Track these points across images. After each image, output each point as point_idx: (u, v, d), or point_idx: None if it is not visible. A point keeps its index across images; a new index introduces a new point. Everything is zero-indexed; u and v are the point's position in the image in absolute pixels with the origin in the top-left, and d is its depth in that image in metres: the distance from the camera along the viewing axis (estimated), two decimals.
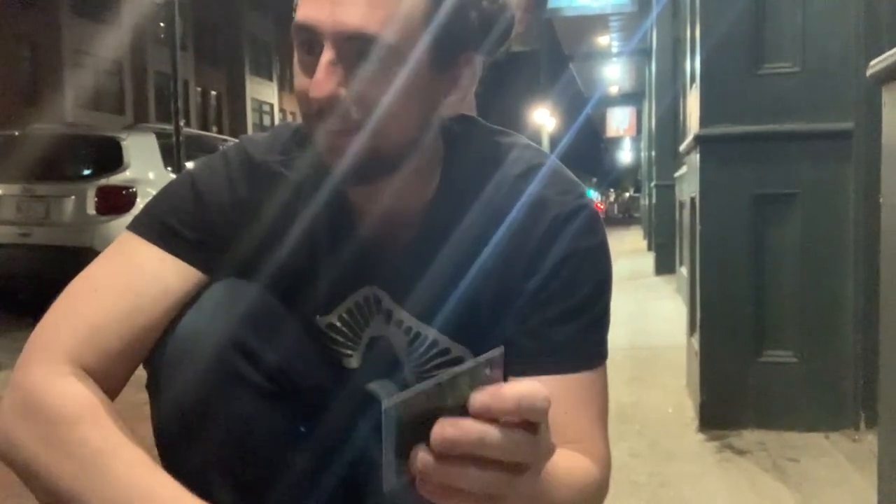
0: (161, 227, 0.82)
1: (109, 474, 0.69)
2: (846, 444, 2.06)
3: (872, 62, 1.04)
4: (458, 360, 0.88)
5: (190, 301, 0.81)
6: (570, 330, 0.80)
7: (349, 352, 0.92)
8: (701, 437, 2.21)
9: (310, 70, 0.73)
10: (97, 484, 0.68)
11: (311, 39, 0.72)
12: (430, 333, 0.87)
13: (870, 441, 1.99)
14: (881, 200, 1.06)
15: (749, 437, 2.16)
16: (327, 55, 0.72)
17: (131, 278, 0.80)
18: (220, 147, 6.89)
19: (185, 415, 0.80)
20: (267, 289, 0.85)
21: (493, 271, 0.82)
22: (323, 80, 0.72)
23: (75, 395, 0.73)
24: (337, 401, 0.90)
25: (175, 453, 0.83)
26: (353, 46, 0.71)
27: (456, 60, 0.78)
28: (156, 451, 0.84)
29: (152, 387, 0.82)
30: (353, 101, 0.73)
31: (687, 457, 2.06)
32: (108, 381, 0.77)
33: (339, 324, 0.90)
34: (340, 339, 0.91)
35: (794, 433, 2.14)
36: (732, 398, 2.23)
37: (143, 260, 0.80)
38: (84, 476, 0.69)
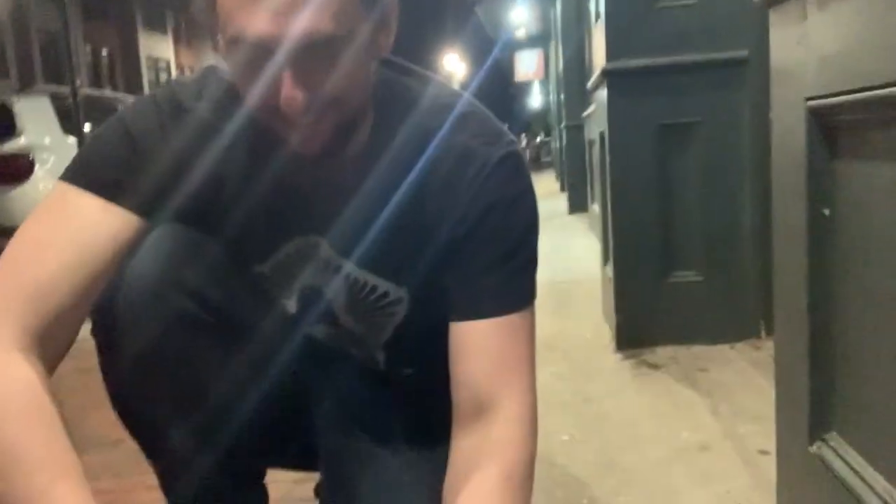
0: (98, 176, 0.81)
1: (14, 472, 0.68)
2: (750, 352, 2.23)
3: None
4: (398, 302, 0.92)
5: (132, 247, 0.81)
6: (502, 275, 0.84)
7: (285, 299, 0.94)
8: (618, 356, 2.34)
9: (261, 75, 0.71)
10: (1, 481, 0.67)
11: (260, 53, 0.70)
12: (370, 279, 0.91)
13: (770, 348, 2.16)
14: (770, 116, 1.15)
15: (662, 352, 2.31)
16: (289, 69, 0.70)
17: (74, 230, 0.79)
18: (120, 108, 6.59)
19: (137, 356, 0.81)
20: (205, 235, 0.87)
21: (426, 219, 0.85)
22: (292, 93, 0.71)
23: (10, 376, 0.72)
24: (278, 343, 0.93)
25: (128, 393, 0.84)
26: (312, 52, 0.70)
27: (387, 12, 0.78)
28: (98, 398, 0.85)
29: (100, 333, 0.84)
30: (322, 99, 0.73)
31: (607, 375, 2.20)
32: (60, 335, 0.77)
33: (270, 273, 0.92)
34: (274, 287, 0.93)
35: (702, 346, 2.30)
36: (645, 319, 2.37)
37: (85, 210, 0.79)
38: None
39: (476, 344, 0.84)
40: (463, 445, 0.84)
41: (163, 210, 0.83)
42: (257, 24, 0.68)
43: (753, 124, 2.19)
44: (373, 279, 0.91)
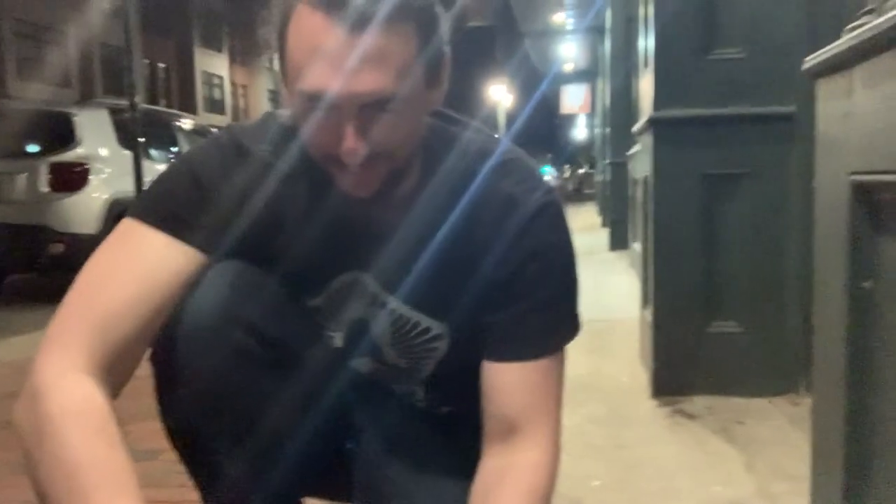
0: (164, 213, 0.85)
1: (75, 487, 0.70)
2: (787, 408, 2.21)
3: (808, 58, 1.14)
4: (440, 338, 0.96)
5: (194, 282, 0.86)
6: (539, 320, 0.89)
7: (332, 333, 0.98)
8: (654, 403, 2.34)
9: (326, 126, 0.78)
10: (62, 495, 0.70)
11: (326, 107, 0.76)
12: (413, 315, 0.95)
13: (808, 404, 2.14)
14: (814, 186, 1.17)
15: (699, 402, 2.30)
16: (352, 123, 0.77)
17: (140, 264, 0.83)
18: (175, 124, 6.78)
19: (194, 389, 0.85)
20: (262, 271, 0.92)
21: (469, 261, 0.89)
22: (354, 146, 0.77)
23: (77, 395, 0.76)
24: (326, 376, 0.97)
25: (184, 424, 0.89)
26: (372, 108, 0.76)
27: (439, 67, 0.83)
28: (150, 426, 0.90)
29: (158, 363, 0.87)
30: (379, 149, 0.79)
31: (641, 421, 2.19)
32: (123, 364, 0.81)
33: (323, 306, 0.96)
34: (324, 320, 0.97)
35: (740, 398, 2.28)
36: (683, 366, 2.37)
37: (150, 245, 0.84)
38: (52, 479, 0.71)
39: (508, 384, 0.89)
40: (489, 466, 0.89)
41: (224, 247, 0.88)
42: (326, 80, 0.74)
43: (800, 179, 2.19)
44: (416, 315, 0.95)
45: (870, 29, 0.92)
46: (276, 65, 0.82)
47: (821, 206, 1.14)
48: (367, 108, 0.76)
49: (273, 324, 0.90)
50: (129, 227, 0.87)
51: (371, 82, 0.74)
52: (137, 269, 0.83)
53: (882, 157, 0.93)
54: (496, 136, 0.97)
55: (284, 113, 0.91)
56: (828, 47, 1.08)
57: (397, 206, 0.89)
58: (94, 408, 0.76)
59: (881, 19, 0.89)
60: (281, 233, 0.91)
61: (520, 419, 0.88)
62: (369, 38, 0.73)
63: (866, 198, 0.99)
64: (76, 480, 0.71)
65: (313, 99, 0.76)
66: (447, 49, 0.83)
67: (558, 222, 0.90)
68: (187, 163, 0.91)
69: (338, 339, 0.99)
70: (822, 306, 1.14)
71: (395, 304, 0.95)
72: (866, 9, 1.00)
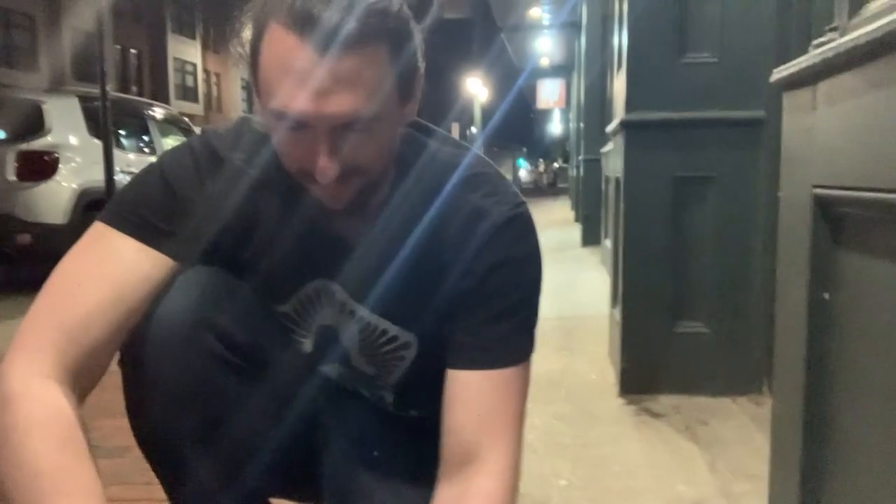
0: (135, 219, 0.86)
1: (38, 497, 0.71)
2: (751, 408, 2.25)
3: (775, 70, 1.17)
4: (407, 346, 0.97)
5: (164, 287, 0.86)
6: (501, 330, 0.89)
7: (301, 339, 0.99)
8: (621, 401, 2.37)
9: (298, 144, 0.78)
10: (26, 501, 0.70)
11: (299, 127, 0.77)
12: (381, 323, 0.96)
13: (770, 404, 2.19)
14: (779, 194, 1.19)
15: (665, 401, 2.34)
16: (324, 143, 0.77)
17: (110, 269, 0.84)
18: (147, 112, 6.67)
19: (163, 392, 0.86)
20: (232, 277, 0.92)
21: (436, 271, 0.90)
22: (325, 166, 0.78)
23: (43, 402, 0.76)
24: (295, 381, 0.98)
25: (151, 427, 0.89)
26: (345, 128, 0.77)
27: (413, 82, 0.83)
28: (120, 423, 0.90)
29: (127, 366, 0.88)
30: (352, 166, 0.80)
31: (608, 420, 2.22)
32: (92, 369, 0.82)
33: (292, 313, 0.97)
34: (293, 326, 0.99)
35: (705, 398, 2.32)
36: (650, 366, 2.41)
37: (120, 252, 0.84)
38: (17, 489, 0.71)
39: (468, 394, 0.88)
40: (444, 495, 0.88)
41: (195, 253, 0.88)
42: (298, 102, 0.74)
43: (767, 184, 2.23)
44: (384, 324, 0.96)
45: (833, 48, 0.94)
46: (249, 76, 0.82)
47: (784, 217, 1.16)
48: (340, 128, 0.77)
49: (243, 328, 0.91)
50: (101, 233, 0.87)
51: (343, 104, 0.75)
52: (107, 275, 0.83)
53: (842, 172, 0.95)
54: (467, 145, 0.97)
55: (259, 118, 0.92)
56: (794, 61, 1.10)
57: (369, 217, 0.90)
58: (61, 416, 0.76)
59: (844, 39, 0.91)
60: (253, 241, 0.92)
61: (478, 438, 0.87)
62: (341, 61, 0.73)
63: (828, 211, 1.01)
64: (40, 490, 0.71)
65: (285, 118, 0.76)
66: (421, 63, 0.83)
67: (524, 234, 0.90)
68: (161, 168, 0.91)
69: (307, 345, 1.00)
70: (783, 315, 1.17)
71: (363, 312, 0.96)
72: (832, 25, 1.03)
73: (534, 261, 0.91)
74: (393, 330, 0.96)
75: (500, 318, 0.89)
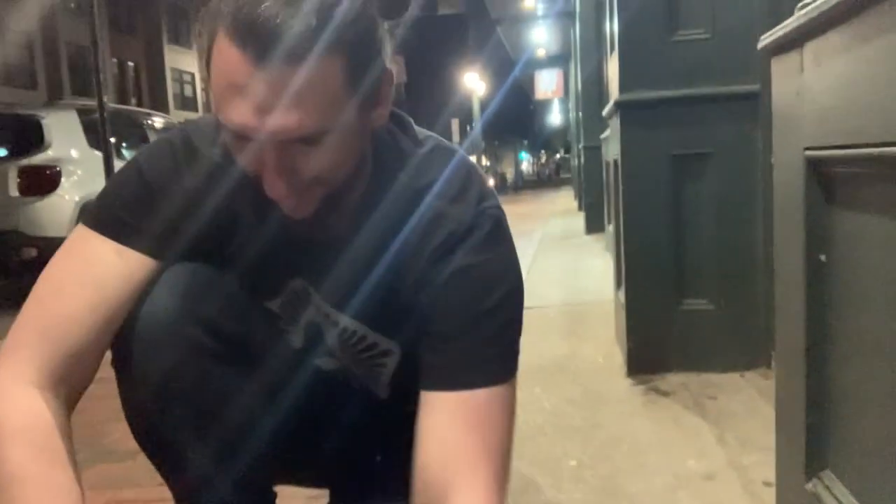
0: (114, 221, 0.85)
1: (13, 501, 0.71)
2: (758, 381, 2.25)
3: (763, 36, 1.17)
4: (388, 353, 0.95)
5: (148, 285, 0.86)
6: (469, 344, 0.81)
7: (291, 334, 0.99)
8: (629, 381, 2.37)
9: (251, 158, 0.74)
10: None
11: (244, 140, 0.73)
12: (359, 329, 0.94)
13: (775, 371, 2.18)
14: (772, 161, 1.19)
15: (672, 379, 2.34)
16: (271, 159, 0.73)
17: (90, 273, 0.83)
18: (147, 122, 6.68)
19: (154, 386, 0.85)
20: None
21: (404, 281, 0.87)
22: (276, 181, 0.74)
23: (22, 409, 0.76)
24: (288, 373, 0.98)
25: (146, 421, 0.89)
26: (291, 145, 0.72)
27: (378, 88, 0.78)
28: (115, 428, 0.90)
29: (118, 364, 0.88)
30: (304, 182, 0.76)
31: (617, 400, 2.22)
32: (79, 373, 0.82)
33: (278, 309, 0.97)
34: (282, 322, 0.98)
35: (712, 374, 2.32)
36: (656, 345, 2.40)
37: (100, 254, 0.84)
38: None
39: (437, 421, 0.80)
40: None
41: (175, 251, 0.87)
42: (240, 116, 0.71)
43: (765, 157, 2.22)
44: (362, 330, 0.94)
45: (817, 6, 0.94)
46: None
47: (778, 182, 1.16)
48: (287, 143, 0.72)
49: (231, 321, 0.90)
50: (81, 235, 0.87)
51: (286, 120, 0.70)
52: (87, 278, 0.83)
53: (833, 132, 0.95)
54: (450, 143, 0.94)
55: None
56: (780, 25, 1.10)
57: (343, 216, 0.87)
58: (40, 423, 0.77)
59: None
60: (232, 237, 0.91)
61: (446, 475, 0.77)
62: (285, 75, 0.68)
63: (820, 172, 1.01)
64: (13, 498, 0.71)
65: (235, 132, 0.73)
66: (391, 64, 0.78)
67: (490, 241, 0.84)
68: (137, 163, 0.90)
69: (297, 340, 0.99)
70: (781, 280, 1.17)
71: (338, 317, 0.94)
72: None
73: (502, 269, 0.85)
74: (372, 336, 0.94)
75: (465, 333, 0.82)
